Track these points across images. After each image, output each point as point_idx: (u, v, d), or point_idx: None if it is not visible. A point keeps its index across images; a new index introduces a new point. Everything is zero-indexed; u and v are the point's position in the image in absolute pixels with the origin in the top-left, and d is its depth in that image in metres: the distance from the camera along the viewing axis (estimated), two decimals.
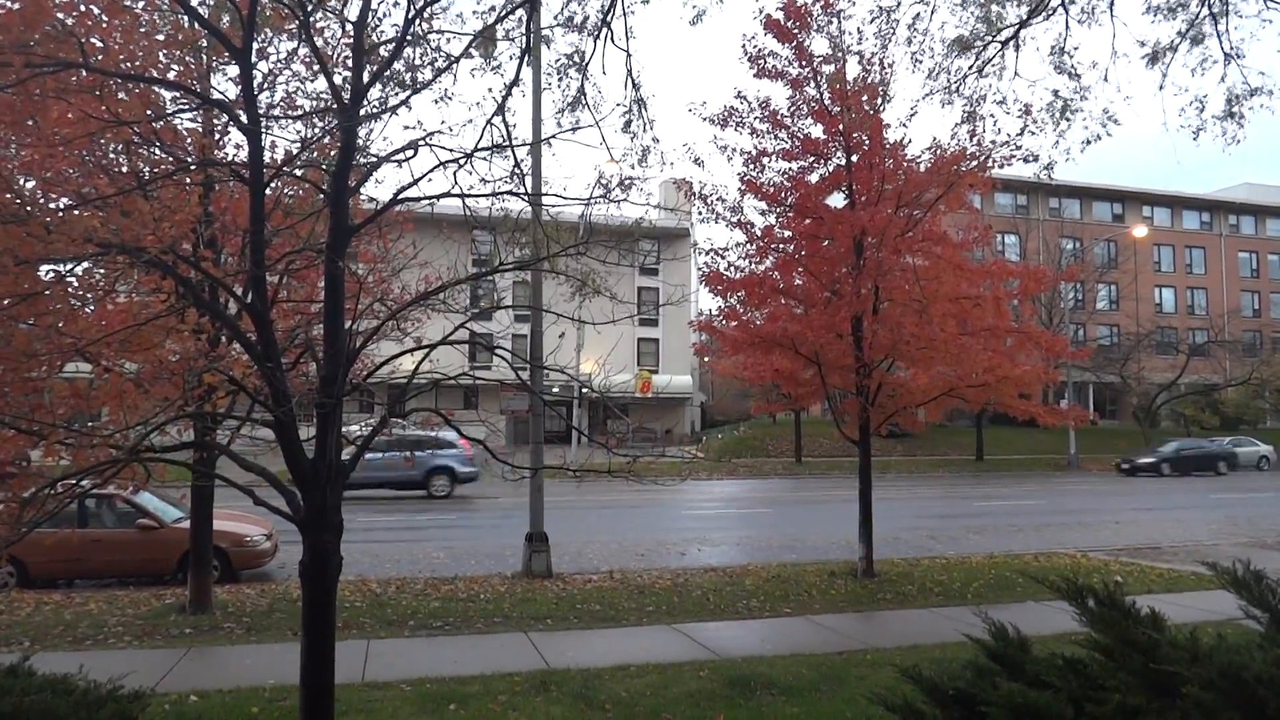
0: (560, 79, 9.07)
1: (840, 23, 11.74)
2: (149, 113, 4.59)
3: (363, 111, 5.00)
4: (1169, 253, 59.11)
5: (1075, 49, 10.09)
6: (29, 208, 4.25)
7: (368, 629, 9.30)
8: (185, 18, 4.97)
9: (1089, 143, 10.18)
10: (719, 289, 12.15)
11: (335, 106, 4.85)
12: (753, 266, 12.32)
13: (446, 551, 15.42)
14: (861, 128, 11.63)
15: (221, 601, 10.41)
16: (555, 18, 9.05)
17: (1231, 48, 9.63)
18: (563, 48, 8.99)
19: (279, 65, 6.59)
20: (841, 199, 12.41)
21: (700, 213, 12.42)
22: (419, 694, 6.92)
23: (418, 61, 5.80)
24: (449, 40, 5.95)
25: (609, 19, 8.94)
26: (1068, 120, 10.05)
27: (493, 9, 7.78)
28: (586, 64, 9.01)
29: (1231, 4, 9.51)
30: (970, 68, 10.44)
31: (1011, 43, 10.32)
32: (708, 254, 12.27)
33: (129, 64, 4.44)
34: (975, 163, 11.32)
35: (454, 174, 5.19)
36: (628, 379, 43.46)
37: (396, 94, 5.68)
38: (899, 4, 10.28)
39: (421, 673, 7.51)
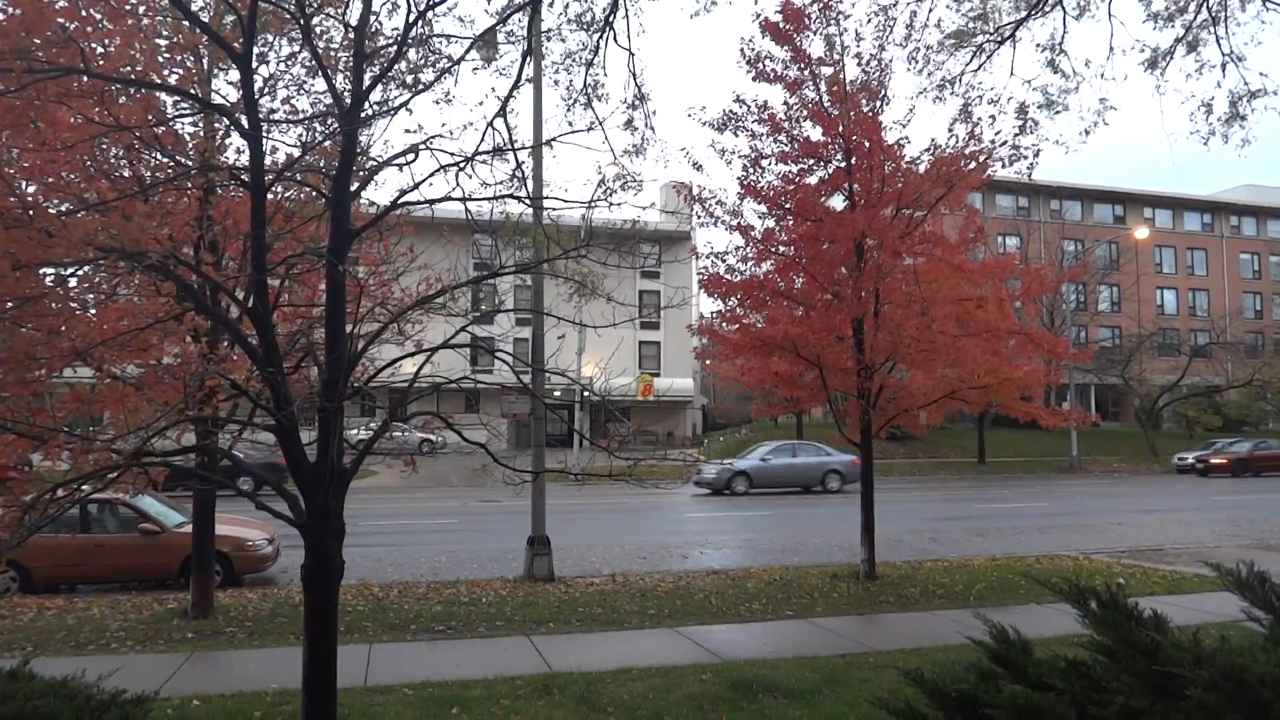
0: (564, 77, 9.09)
1: (839, 24, 11.75)
2: (150, 117, 4.60)
3: (363, 115, 5.01)
4: (1170, 254, 59.12)
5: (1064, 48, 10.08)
6: (30, 212, 4.25)
7: (370, 633, 9.29)
8: (186, 22, 4.98)
9: (1087, 132, 10.26)
10: (719, 292, 12.14)
11: (336, 110, 4.86)
12: (752, 269, 12.32)
13: (448, 555, 15.41)
14: (860, 129, 11.64)
15: (224, 606, 10.40)
16: (559, 17, 9.07)
17: (1231, 50, 9.65)
18: (566, 47, 8.98)
19: (280, 69, 6.61)
20: (841, 201, 12.41)
21: (699, 217, 12.42)
22: (421, 698, 6.92)
23: (419, 64, 5.82)
24: (450, 43, 5.97)
25: (611, 19, 8.96)
26: (1059, 113, 10.14)
27: (490, 14, 7.81)
28: (590, 64, 9.03)
29: (1230, 7, 9.53)
30: (967, 65, 10.47)
31: (1009, 40, 10.34)
32: (707, 257, 12.28)
33: (129, 69, 4.44)
34: (975, 163, 11.32)
35: (455, 177, 5.21)
36: (629, 382, 43.49)
37: (398, 96, 5.69)
38: (895, 2, 10.31)
39: (424, 677, 7.50)
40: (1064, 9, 9.95)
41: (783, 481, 29.05)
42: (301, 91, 6.71)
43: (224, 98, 6.35)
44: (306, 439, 4.74)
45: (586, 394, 6.42)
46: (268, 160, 4.98)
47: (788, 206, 12.06)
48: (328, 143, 5.51)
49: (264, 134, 4.70)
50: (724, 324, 12.85)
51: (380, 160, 5.29)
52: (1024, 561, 14.23)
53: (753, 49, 11.89)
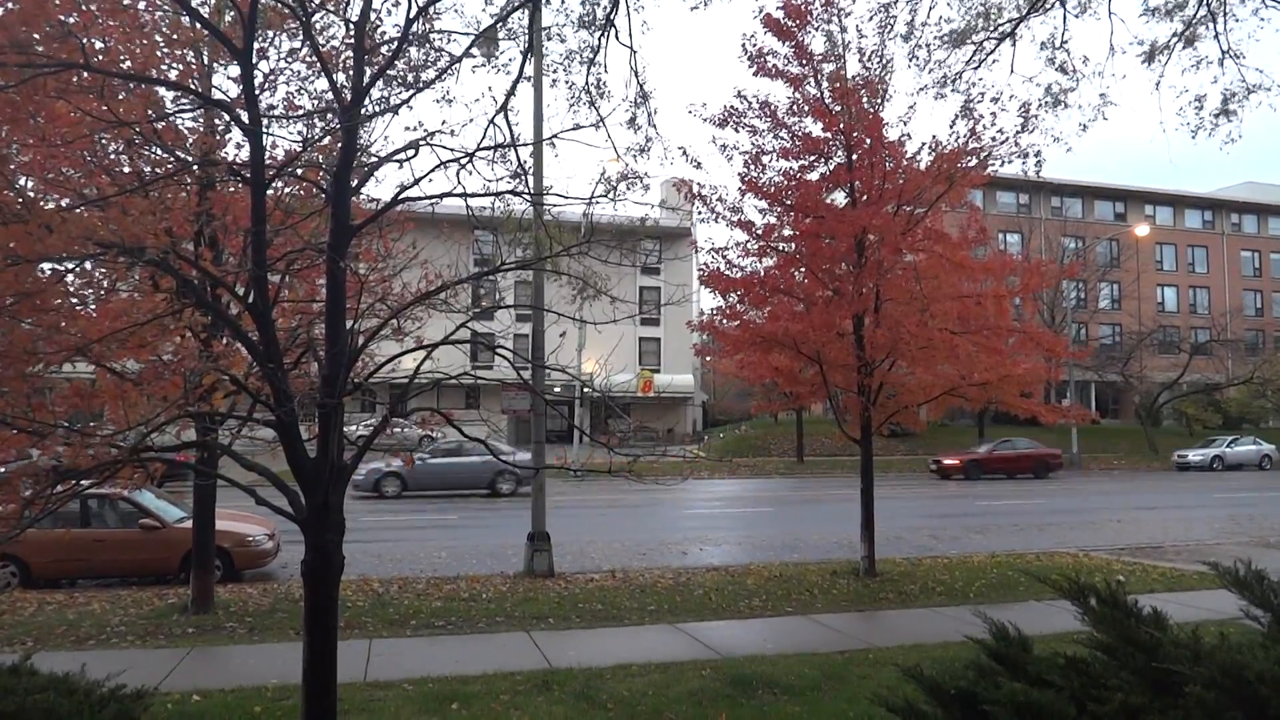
0: (565, 76, 9.09)
1: (841, 20, 11.74)
2: (149, 112, 4.59)
3: (364, 111, 4.99)
4: (1171, 252, 59.05)
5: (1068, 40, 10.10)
6: (29, 207, 4.25)
7: (370, 628, 9.30)
8: (186, 17, 4.97)
9: (1085, 127, 10.29)
10: (719, 288, 12.14)
11: (336, 106, 4.85)
12: (753, 265, 12.33)
13: (448, 551, 15.42)
14: (861, 125, 11.62)
15: (224, 601, 10.41)
16: (558, 14, 9.07)
17: (1229, 46, 9.65)
18: (567, 46, 8.99)
19: (280, 65, 6.59)
20: (842, 197, 12.41)
21: (700, 213, 12.42)
22: (421, 693, 6.93)
23: (419, 61, 5.81)
24: (451, 40, 5.95)
25: (613, 16, 8.95)
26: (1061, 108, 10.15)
27: (488, 13, 7.80)
28: (591, 62, 9.02)
29: (1229, 4, 9.54)
30: (968, 63, 10.47)
31: (1010, 38, 10.33)
32: (709, 253, 12.28)
33: (129, 63, 4.43)
34: (975, 160, 11.31)
35: (455, 174, 5.19)
36: (629, 378, 43.49)
37: (398, 93, 5.68)
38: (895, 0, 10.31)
39: (424, 672, 7.52)
40: (1064, 6, 9.95)
41: (444, 483, 25.35)
42: (303, 91, 6.70)
43: (224, 93, 6.33)
44: (306, 435, 4.73)
45: (587, 390, 6.42)
46: (268, 156, 4.97)
47: (789, 202, 12.06)
48: (328, 138, 5.50)
49: (264, 129, 4.69)
50: (724, 320, 12.86)
51: (381, 156, 5.27)
52: (1024, 559, 14.24)
53: (754, 44, 11.88)
